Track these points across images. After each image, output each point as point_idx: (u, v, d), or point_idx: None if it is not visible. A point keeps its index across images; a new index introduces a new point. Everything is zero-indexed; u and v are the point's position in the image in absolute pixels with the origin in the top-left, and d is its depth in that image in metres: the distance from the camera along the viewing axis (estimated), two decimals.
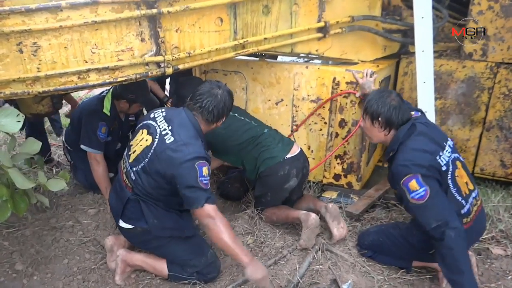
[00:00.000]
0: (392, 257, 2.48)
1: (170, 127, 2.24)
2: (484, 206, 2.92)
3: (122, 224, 2.34)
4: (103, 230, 2.84)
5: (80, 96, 7.61)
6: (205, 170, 2.12)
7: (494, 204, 3.00)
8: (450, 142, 2.28)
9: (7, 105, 4.54)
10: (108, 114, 3.21)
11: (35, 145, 2.21)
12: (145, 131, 2.33)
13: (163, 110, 2.40)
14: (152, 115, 2.38)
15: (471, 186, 2.26)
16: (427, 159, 2.11)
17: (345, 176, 3.24)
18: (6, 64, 1.97)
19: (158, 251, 2.41)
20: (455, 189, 2.15)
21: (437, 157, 2.14)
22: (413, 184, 2.05)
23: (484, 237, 2.72)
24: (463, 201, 2.17)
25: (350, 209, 2.98)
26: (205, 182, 2.11)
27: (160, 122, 2.30)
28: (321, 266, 2.50)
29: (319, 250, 2.61)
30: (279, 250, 2.66)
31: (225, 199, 3.51)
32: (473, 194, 2.26)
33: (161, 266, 2.39)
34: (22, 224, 2.83)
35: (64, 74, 2.10)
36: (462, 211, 2.16)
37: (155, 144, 2.21)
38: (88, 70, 2.14)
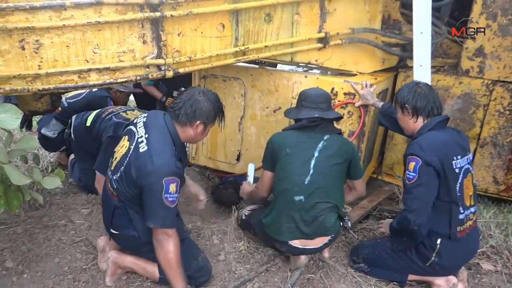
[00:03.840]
0: (388, 270, 2.49)
1: (146, 135, 2.19)
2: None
3: (112, 231, 2.34)
4: (95, 230, 2.83)
5: None
6: (172, 187, 2.07)
7: (486, 220, 3.02)
8: (470, 156, 2.38)
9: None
10: None
11: (31, 142, 2.21)
12: (126, 137, 2.32)
13: (145, 115, 2.34)
14: (135, 120, 2.36)
15: (472, 202, 2.35)
16: (441, 151, 2.22)
17: None
18: (7, 60, 1.97)
19: (150, 255, 2.37)
20: (459, 194, 2.25)
21: (454, 157, 2.25)
22: (412, 165, 2.22)
23: None
24: (461, 209, 2.27)
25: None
26: (170, 199, 2.07)
27: (139, 128, 2.26)
28: (312, 275, 2.50)
29: (311, 259, 2.62)
30: (271, 257, 2.66)
31: (218, 204, 3.52)
32: (472, 210, 2.34)
33: (153, 269, 2.37)
34: (14, 221, 2.81)
35: (65, 72, 2.11)
36: (460, 217, 2.27)
37: (130, 152, 2.19)
38: (89, 70, 2.15)
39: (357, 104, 2.96)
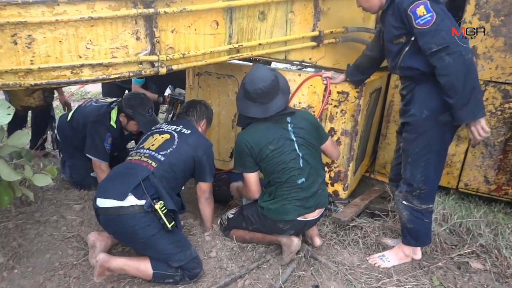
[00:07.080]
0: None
1: (181, 126, 2.80)
2: (466, 221, 2.99)
3: (128, 199, 2.31)
4: (87, 226, 2.83)
5: (72, 91, 7.57)
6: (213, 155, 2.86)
7: (476, 219, 3.04)
8: None
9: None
10: (115, 126, 3.25)
11: (23, 138, 2.20)
12: (156, 135, 2.74)
13: (163, 123, 2.91)
14: (155, 127, 2.87)
15: None
16: None
17: (332, 185, 3.27)
18: None
19: (143, 245, 2.36)
20: None
21: None
22: (421, 9, 2.07)
23: (464, 251, 2.77)
24: None
25: (338, 216, 3.00)
26: (214, 164, 2.86)
27: (167, 126, 2.82)
28: (303, 272, 2.52)
29: (303, 256, 2.64)
30: (263, 254, 2.67)
31: None
32: None
33: (145, 266, 2.35)
34: (5, 216, 2.81)
35: (57, 68, 2.10)
36: None
37: (176, 136, 2.70)
38: (82, 66, 2.15)
39: (324, 75, 3.03)
